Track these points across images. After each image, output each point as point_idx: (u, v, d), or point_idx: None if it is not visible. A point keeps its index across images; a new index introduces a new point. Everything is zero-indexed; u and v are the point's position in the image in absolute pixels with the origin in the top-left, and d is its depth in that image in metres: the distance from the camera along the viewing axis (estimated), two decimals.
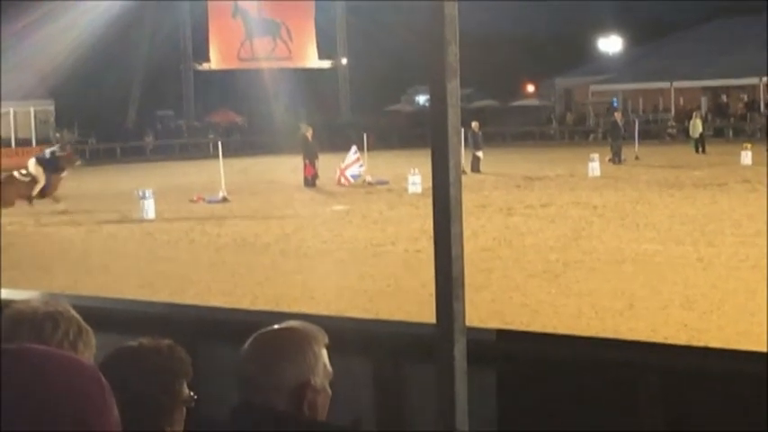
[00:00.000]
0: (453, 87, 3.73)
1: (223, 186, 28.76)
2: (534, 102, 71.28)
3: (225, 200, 27.95)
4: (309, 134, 33.88)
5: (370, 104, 65.89)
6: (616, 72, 63.91)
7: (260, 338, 2.75)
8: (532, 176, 32.63)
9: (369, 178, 32.47)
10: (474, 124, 37.17)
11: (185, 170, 41.81)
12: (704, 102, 61.79)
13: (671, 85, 61.06)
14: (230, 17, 62.09)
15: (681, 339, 10.14)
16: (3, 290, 5.71)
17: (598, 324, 11.37)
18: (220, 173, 29.20)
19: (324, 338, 2.77)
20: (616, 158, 37.92)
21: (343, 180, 32.32)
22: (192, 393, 3.16)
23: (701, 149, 43.18)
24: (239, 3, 61.70)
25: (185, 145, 59.74)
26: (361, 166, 32.87)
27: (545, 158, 42.00)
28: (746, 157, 34.90)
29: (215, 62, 63.06)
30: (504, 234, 19.18)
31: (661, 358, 4.40)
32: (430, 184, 3.99)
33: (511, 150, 48.53)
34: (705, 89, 62.25)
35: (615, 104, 61.61)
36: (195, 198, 28.46)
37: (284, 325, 2.81)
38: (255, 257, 17.80)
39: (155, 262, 17.81)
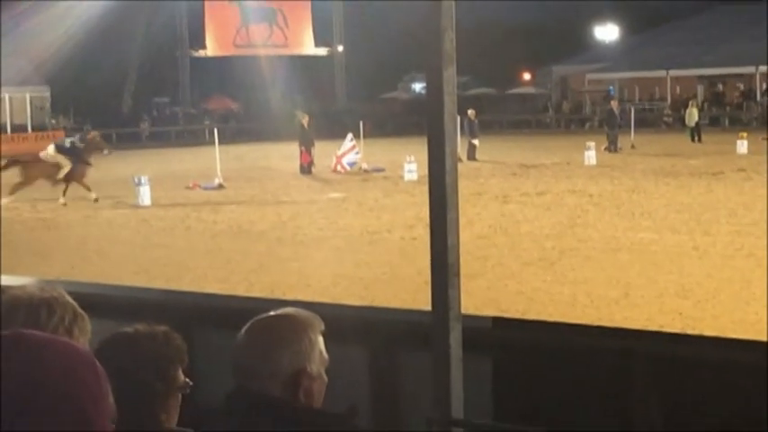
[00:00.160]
0: (450, 75, 3.73)
1: (219, 173, 28.74)
2: (531, 90, 71.27)
3: (221, 187, 27.93)
4: (305, 121, 33.84)
5: (367, 92, 65.85)
6: (613, 60, 63.88)
7: (256, 325, 2.75)
8: (528, 164, 32.63)
9: (365, 166, 32.45)
10: (470, 112, 37.15)
11: (181, 157, 41.76)
12: (700, 90, 61.77)
13: (667, 73, 61.02)
14: (227, 4, 61.99)
15: (676, 328, 10.15)
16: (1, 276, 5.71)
17: (593, 312, 11.38)
18: (216, 160, 29.16)
19: (320, 325, 2.77)
20: (612, 147, 37.91)
21: (339, 167, 32.30)
22: (187, 380, 3.16)
23: (696, 138, 43.18)
24: None
25: (181, 131, 59.70)
26: (357, 153, 32.85)
27: (541, 146, 41.98)
28: (742, 146, 34.92)
29: (211, 49, 62.98)
30: (499, 222, 19.18)
31: (656, 346, 4.40)
32: (426, 171, 3.99)
33: (507, 138, 48.52)
34: (701, 78, 62.22)
35: (612, 93, 61.60)
36: (191, 185, 28.42)
37: (280, 312, 2.81)
38: (251, 244, 17.80)
39: (150, 248, 17.81)
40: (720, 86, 62.78)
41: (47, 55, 50.61)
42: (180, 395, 3.15)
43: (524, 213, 20.44)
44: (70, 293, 2.69)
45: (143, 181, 24.80)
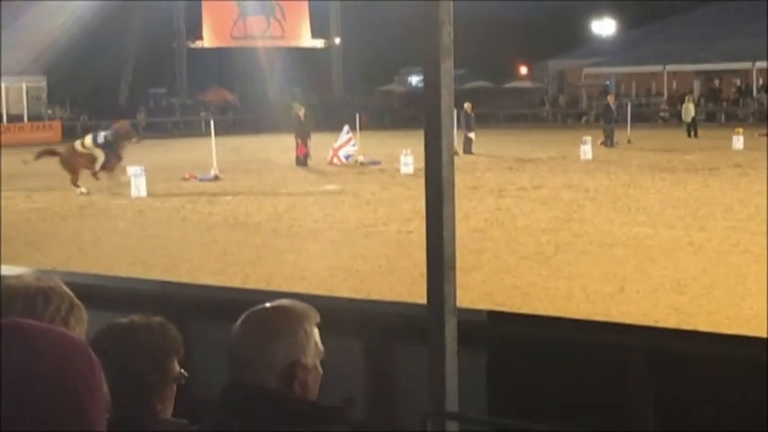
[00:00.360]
0: (447, 68, 3.73)
1: (215, 165, 28.71)
2: (527, 84, 71.25)
3: (217, 178, 27.91)
4: (302, 113, 33.81)
5: (364, 84, 65.78)
6: (609, 55, 63.86)
7: (251, 317, 2.75)
8: (524, 158, 32.64)
9: (361, 158, 32.44)
10: (467, 105, 37.10)
11: (177, 148, 41.71)
12: (697, 86, 61.79)
13: (664, 68, 61.02)
14: None
15: (671, 323, 10.16)
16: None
17: (588, 307, 11.39)
18: (212, 151, 29.14)
19: (315, 317, 2.77)
20: (608, 141, 37.92)
21: (335, 160, 32.30)
22: (182, 371, 3.16)
23: (693, 134, 43.19)
24: None
25: (177, 123, 59.63)
26: (353, 145, 32.84)
27: (537, 140, 42.00)
28: (738, 141, 34.92)
29: (208, 40, 62.86)
30: (495, 216, 19.19)
31: (651, 341, 4.41)
32: (422, 164, 3.99)
33: (503, 132, 48.51)
34: (698, 73, 62.23)
35: (608, 87, 61.58)
36: (187, 176, 28.41)
37: (276, 303, 2.81)
38: (247, 236, 17.80)
39: (146, 239, 17.80)
40: (717, 82, 62.78)
41: (44, 46, 50.52)
42: (175, 386, 3.15)
43: (520, 207, 20.44)
44: (66, 284, 2.69)
45: (139, 172, 24.80)
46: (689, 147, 36.94)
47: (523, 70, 75.20)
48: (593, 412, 4.32)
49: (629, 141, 39.05)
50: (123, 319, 3.18)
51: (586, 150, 32.61)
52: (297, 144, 32.84)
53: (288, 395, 2.64)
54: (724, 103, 59.74)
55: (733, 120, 53.04)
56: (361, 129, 34.35)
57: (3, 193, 23.94)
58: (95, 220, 20.66)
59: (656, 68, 61.22)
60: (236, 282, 12.97)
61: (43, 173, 26.34)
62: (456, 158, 4.00)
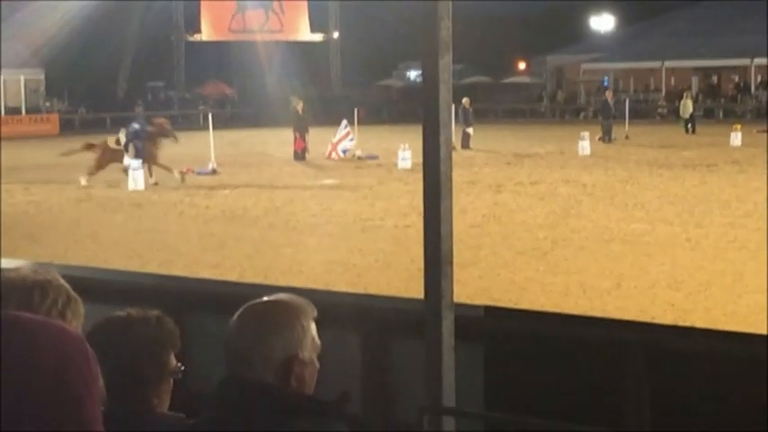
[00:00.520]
0: (445, 63, 3.73)
1: (213, 158, 28.71)
2: (525, 79, 71.24)
3: (214, 172, 27.90)
4: (300, 107, 33.79)
5: (362, 78, 65.77)
6: (608, 51, 63.85)
7: (248, 311, 2.75)
8: (522, 154, 32.64)
9: (359, 153, 32.43)
10: (465, 100, 37.08)
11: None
12: (695, 82, 61.81)
13: (662, 64, 61.05)
14: None
15: (667, 319, 10.17)
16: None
17: (586, 302, 11.40)
18: (210, 145, 29.14)
19: (312, 312, 2.77)
20: (606, 137, 37.92)
21: (333, 154, 32.29)
22: (179, 365, 3.16)
23: (690, 130, 43.19)
24: None
25: (175, 116, 59.41)
26: (351, 140, 32.83)
27: (535, 136, 41.99)
28: (736, 138, 34.93)
29: (206, 34, 62.80)
30: (493, 211, 19.19)
31: (647, 337, 4.41)
32: (420, 159, 3.99)
33: (501, 127, 48.49)
34: (696, 70, 62.26)
35: (606, 83, 61.57)
36: (185, 170, 28.34)
37: (273, 298, 2.81)
38: (244, 230, 17.79)
39: (143, 233, 17.79)
40: (715, 78, 62.81)
41: (43, 39, 50.49)
42: (172, 380, 3.15)
43: (518, 203, 20.45)
44: (63, 277, 2.69)
45: (136, 165, 24.79)
46: (687, 143, 36.94)
47: (522, 66, 75.15)
48: (590, 408, 4.32)
49: (626, 137, 39.05)
50: (120, 313, 3.18)
51: (584, 146, 32.62)
52: (295, 138, 32.82)
53: (284, 389, 2.64)
54: (722, 100, 59.77)
55: (731, 116, 53.02)
56: (359, 123, 34.35)
57: (1, 186, 23.93)
58: (92, 213, 20.65)
59: (655, 64, 61.24)
60: (233, 275, 12.96)
61: (41, 165, 26.33)
62: (454, 153, 4.00)
